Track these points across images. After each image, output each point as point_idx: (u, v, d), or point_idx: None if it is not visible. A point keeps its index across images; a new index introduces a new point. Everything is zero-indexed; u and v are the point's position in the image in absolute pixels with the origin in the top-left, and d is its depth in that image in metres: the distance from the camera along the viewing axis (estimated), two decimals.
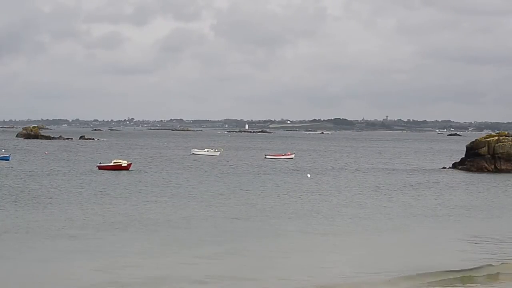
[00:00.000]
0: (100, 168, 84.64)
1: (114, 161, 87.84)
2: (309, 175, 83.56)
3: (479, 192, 67.07)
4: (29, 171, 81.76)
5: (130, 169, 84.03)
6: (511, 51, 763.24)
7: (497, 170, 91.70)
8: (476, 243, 37.48)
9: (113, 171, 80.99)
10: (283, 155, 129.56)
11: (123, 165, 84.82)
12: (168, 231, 39.88)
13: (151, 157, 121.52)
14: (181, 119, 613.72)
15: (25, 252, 32.54)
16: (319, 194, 61.67)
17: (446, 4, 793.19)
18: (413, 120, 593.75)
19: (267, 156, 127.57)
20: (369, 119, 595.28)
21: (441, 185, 73.16)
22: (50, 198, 54.53)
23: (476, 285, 27.51)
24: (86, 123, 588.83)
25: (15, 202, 51.65)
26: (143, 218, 44.56)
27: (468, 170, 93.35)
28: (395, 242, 38.20)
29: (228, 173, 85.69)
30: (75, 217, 44.24)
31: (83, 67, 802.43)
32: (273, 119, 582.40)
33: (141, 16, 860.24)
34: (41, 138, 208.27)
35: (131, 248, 34.23)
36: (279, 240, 37.62)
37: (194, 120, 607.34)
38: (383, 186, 71.00)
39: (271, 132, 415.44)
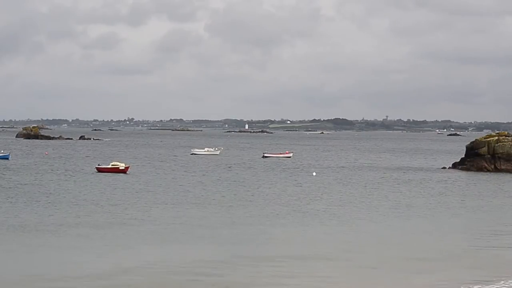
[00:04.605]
0: (99, 170, 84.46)
1: (112, 163, 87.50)
2: (314, 173, 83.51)
3: (479, 192, 66.85)
4: (28, 172, 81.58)
5: (128, 172, 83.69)
6: (506, 52, 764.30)
7: (497, 170, 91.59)
8: (475, 244, 37.37)
9: (111, 174, 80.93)
10: (281, 154, 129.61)
11: (120, 168, 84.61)
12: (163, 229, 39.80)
13: (150, 157, 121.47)
14: (181, 119, 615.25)
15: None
16: (322, 194, 61.75)
17: (438, 5, 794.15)
18: (413, 120, 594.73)
19: (265, 155, 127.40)
20: (369, 119, 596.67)
21: (441, 185, 72.97)
22: (42, 198, 54.51)
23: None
24: (86, 123, 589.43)
25: (10, 201, 51.88)
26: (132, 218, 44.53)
27: (468, 170, 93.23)
28: (394, 243, 38.06)
29: (229, 172, 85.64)
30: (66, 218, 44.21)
31: (81, 68, 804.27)
32: (273, 119, 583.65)
33: (137, 17, 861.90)
34: (41, 138, 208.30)
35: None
36: (284, 242, 37.47)
37: (194, 120, 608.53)
38: (384, 186, 70.81)
39: (271, 132, 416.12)
